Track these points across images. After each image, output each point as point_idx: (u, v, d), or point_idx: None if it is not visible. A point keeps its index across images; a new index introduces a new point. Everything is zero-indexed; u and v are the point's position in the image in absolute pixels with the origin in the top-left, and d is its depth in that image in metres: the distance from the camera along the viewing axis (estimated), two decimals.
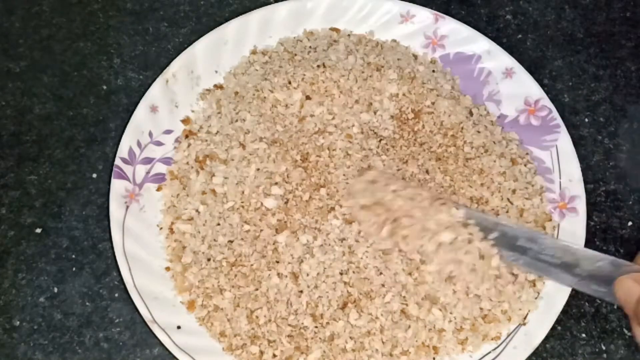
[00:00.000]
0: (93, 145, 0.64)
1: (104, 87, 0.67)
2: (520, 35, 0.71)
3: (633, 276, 0.45)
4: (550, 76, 0.68)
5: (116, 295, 0.57)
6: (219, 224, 0.56)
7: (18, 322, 0.56)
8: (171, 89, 0.63)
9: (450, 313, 0.53)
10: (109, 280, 0.58)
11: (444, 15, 0.66)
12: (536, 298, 0.54)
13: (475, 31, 0.65)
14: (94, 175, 0.63)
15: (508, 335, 0.54)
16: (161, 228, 0.58)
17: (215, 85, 0.65)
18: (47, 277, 0.58)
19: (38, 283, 0.58)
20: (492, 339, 0.54)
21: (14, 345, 0.55)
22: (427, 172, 0.58)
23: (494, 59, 0.64)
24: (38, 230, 0.60)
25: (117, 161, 0.58)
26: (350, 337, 0.52)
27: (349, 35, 0.67)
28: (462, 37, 0.66)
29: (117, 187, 0.58)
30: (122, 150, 0.59)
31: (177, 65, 0.63)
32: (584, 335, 0.56)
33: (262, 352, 0.52)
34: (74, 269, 0.58)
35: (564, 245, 0.50)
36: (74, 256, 0.59)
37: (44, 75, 0.68)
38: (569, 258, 0.49)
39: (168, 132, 0.62)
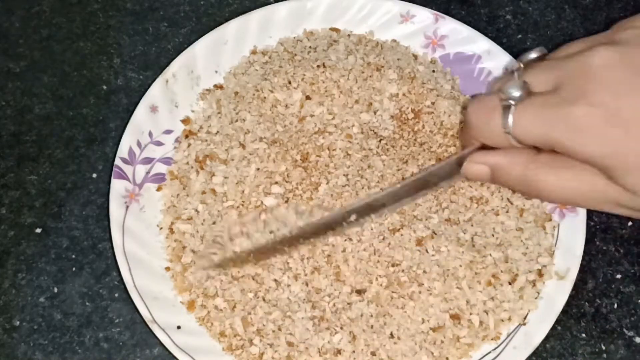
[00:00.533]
0: (93, 145, 0.64)
1: (104, 87, 0.67)
2: (520, 35, 0.71)
3: (472, 159, 0.50)
4: None
5: (116, 295, 0.57)
6: (214, 222, 0.56)
7: (18, 322, 0.56)
8: (171, 89, 0.63)
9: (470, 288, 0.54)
10: (109, 280, 0.58)
11: (444, 15, 0.66)
12: (536, 298, 0.54)
13: (475, 31, 0.65)
14: (94, 175, 0.63)
15: (508, 335, 0.54)
16: (161, 228, 0.58)
17: (215, 85, 0.65)
18: (47, 277, 0.58)
19: (38, 283, 0.58)
20: (492, 339, 0.54)
21: (14, 345, 0.55)
22: None
23: (494, 59, 0.64)
24: (38, 230, 0.60)
25: (117, 161, 0.58)
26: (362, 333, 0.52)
27: (349, 35, 0.67)
28: (462, 37, 0.66)
29: (117, 187, 0.58)
30: (122, 150, 0.59)
31: (177, 65, 0.63)
32: (584, 335, 0.56)
33: (262, 353, 0.52)
34: (74, 269, 0.58)
35: (406, 182, 0.53)
36: (74, 256, 0.59)
37: (44, 75, 0.68)
38: (418, 184, 0.53)
39: (168, 132, 0.62)
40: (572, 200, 0.47)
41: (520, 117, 0.45)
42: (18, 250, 0.59)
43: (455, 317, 0.53)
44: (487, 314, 0.53)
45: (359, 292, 0.53)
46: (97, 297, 0.57)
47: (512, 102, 0.45)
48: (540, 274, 0.55)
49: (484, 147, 0.50)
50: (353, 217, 0.53)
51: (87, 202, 0.61)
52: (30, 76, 0.68)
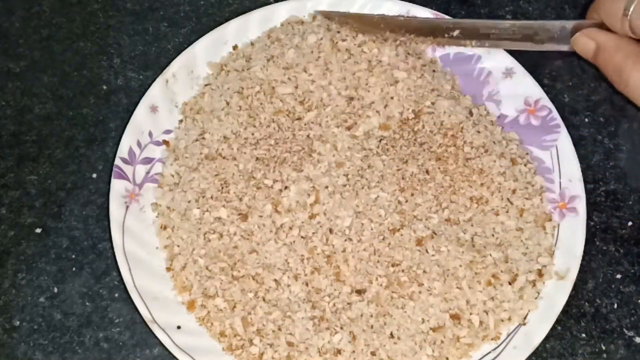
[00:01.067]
0: (93, 145, 0.64)
1: (104, 87, 0.67)
2: None
3: (585, 32, 0.55)
4: (550, 76, 0.68)
5: (116, 295, 0.57)
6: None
7: (18, 322, 0.56)
8: (171, 89, 0.63)
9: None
10: (109, 280, 0.58)
11: (444, 15, 0.66)
12: (536, 298, 0.54)
13: None
14: (94, 175, 0.63)
15: (508, 335, 0.54)
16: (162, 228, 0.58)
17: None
18: (47, 277, 0.58)
19: (38, 283, 0.58)
20: (492, 339, 0.54)
21: (14, 345, 0.55)
22: (427, 172, 0.58)
23: (494, 59, 0.64)
24: (38, 230, 0.60)
25: (117, 161, 0.58)
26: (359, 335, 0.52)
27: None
28: None
29: (117, 187, 0.58)
30: (122, 150, 0.59)
31: (177, 65, 0.63)
32: (584, 335, 0.56)
33: (262, 353, 0.52)
34: (74, 269, 0.58)
35: (520, 22, 0.60)
36: (74, 256, 0.59)
37: (44, 75, 0.68)
38: (528, 31, 0.59)
39: (168, 132, 0.62)
40: None
41: None
42: (18, 250, 0.59)
43: (455, 317, 0.53)
44: (487, 314, 0.54)
45: (359, 292, 0.53)
46: (97, 297, 0.57)
47: None
48: (540, 274, 0.55)
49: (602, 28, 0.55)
50: (456, 33, 0.61)
51: (87, 202, 0.61)
52: (30, 76, 0.67)
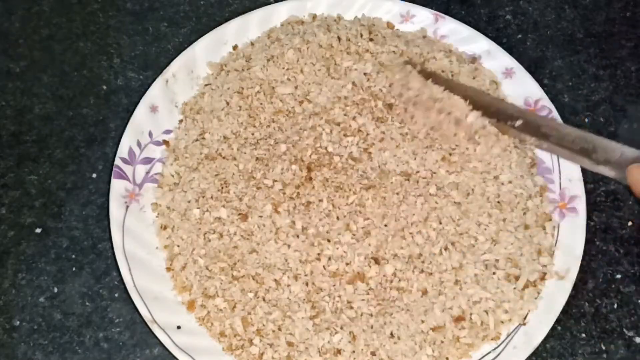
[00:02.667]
0: (93, 145, 0.64)
1: (104, 87, 0.67)
2: (520, 35, 0.71)
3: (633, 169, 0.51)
4: (550, 76, 0.68)
5: (116, 295, 0.57)
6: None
7: (18, 322, 0.56)
8: (171, 89, 0.63)
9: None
10: (108, 280, 0.58)
11: (444, 15, 0.66)
12: (536, 298, 0.54)
13: (475, 31, 0.65)
14: (94, 175, 0.63)
15: (508, 335, 0.54)
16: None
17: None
18: (47, 277, 0.58)
19: (38, 283, 0.58)
20: (492, 339, 0.54)
21: (14, 345, 0.55)
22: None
23: (494, 59, 0.64)
24: (38, 230, 0.60)
25: (117, 161, 0.58)
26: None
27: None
28: (462, 37, 0.66)
29: (117, 187, 0.58)
30: (122, 151, 0.59)
31: (177, 65, 0.63)
32: (584, 335, 0.56)
33: (262, 353, 0.52)
34: (73, 269, 0.58)
35: (582, 133, 0.56)
36: (73, 256, 0.59)
37: (44, 75, 0.68)
38: (587, 145, 0.55)
39: (168, 132, 0.62)
40: None
41: None
42: (18, 250, 0.59)
43: (455, 318, 0.53)
44: (487, 313, 0.53)
45: (376, 261, 0.54)
46: (97, 297, 0.57)
47: None
48: (541, 274, 0.55)
49: None
50: (519, 123, 0.58)
51: (87, 202, 0.61)
52: (30, 76, 0.68)
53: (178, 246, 0.57)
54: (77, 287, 0.58)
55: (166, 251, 0.57)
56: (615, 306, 0.57)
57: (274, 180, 0.57)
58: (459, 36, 0.66)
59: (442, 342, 0.53)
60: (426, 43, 0.65)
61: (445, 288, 0.54)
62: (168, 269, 0.56)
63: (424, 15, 0.66)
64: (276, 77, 0.62)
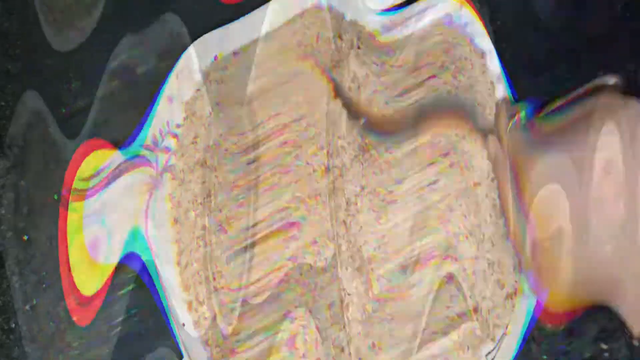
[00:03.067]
0: None
1: None
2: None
3: None
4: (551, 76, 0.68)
5: None
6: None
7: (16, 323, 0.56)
8: (180, 85, 0.62)
9: None
10: None
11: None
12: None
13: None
14: None
15: (505, 335, 0.53)
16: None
17: None
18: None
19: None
20: (492, 339, 0.53)
21: (14, 345, 0.55)
22: None
23: (494, 58, 0.64)
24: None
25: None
26: None
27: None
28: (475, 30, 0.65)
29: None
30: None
31: (181, 62, 0.63)
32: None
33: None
34: None
35: None
36: None
37: None
38: None
39: (179, 126, 0.62)
40: None
41: None
42: (18, 250, 0.59)
43: (455, 317, 0.53)
44: (487, 313, 0.54)
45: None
46: None
47: None
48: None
49: None
50: None
51: None
52: None
53: (183, 243, 0.57)
54: None
55: (175, 246, 0.57)
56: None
57: (255, 195, 0.57)
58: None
59: (442, 341, 0.53)
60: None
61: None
62: (176, 264, 0.56)
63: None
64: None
